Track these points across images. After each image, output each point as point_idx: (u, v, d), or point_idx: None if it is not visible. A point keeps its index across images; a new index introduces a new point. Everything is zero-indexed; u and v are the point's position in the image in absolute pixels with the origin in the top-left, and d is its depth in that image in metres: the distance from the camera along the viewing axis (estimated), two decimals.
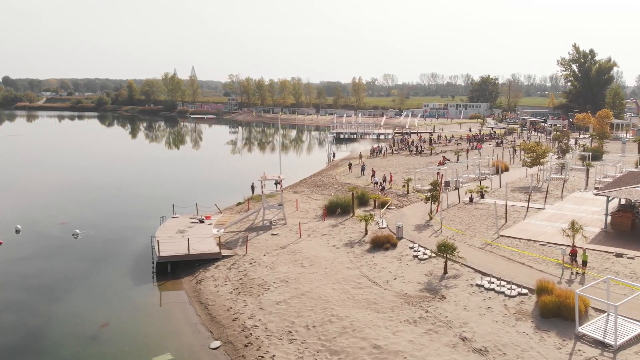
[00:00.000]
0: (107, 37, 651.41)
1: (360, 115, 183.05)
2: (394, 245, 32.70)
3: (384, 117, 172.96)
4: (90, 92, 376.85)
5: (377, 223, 37.94)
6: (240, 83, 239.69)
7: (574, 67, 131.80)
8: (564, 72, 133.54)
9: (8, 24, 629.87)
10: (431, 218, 38.81)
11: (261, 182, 40.40)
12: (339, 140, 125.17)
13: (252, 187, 55.80)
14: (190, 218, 43.37)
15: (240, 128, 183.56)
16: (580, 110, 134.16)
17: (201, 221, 42.05)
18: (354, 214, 41.02)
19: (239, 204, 51.13)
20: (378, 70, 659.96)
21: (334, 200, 42.72)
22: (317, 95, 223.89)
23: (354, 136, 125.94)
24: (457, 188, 51.07)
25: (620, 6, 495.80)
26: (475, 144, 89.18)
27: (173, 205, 44.70)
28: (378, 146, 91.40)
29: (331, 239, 35.45)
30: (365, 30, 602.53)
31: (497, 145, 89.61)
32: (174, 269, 33.82)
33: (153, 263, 35.12)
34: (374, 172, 59.17)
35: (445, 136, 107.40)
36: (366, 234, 35.53)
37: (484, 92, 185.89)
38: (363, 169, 67.08)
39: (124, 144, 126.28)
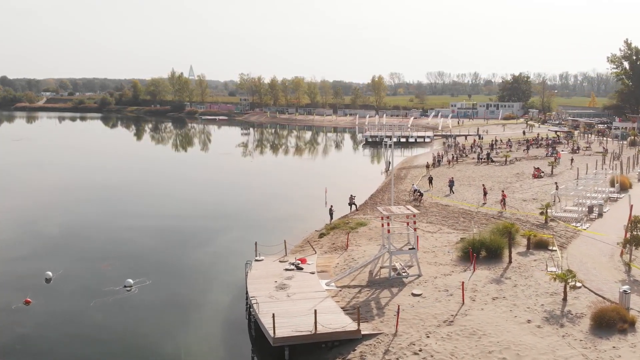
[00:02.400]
0: (105, 36, 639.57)
1: (384, 115, 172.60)
2: (632, 325, 21.85)
3: (411, 118, 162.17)
4: (90, 92, 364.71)
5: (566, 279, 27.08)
6: (252, 82, 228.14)
7: (626, 64, 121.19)
8: (615, 70, 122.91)
9: (3, 23, 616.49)
10: (630, 267, 28.03)
11: (386, 214, 29.34)
12: (373, 144, 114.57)
13: (331, 212, 44.94)
14: (280, 261, 32.47)
15: (252, 129, 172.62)
16: (632, 111, 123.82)
17: (298, 267, 31.12)
18: (511, 261, 30.12)
19: (322, 235, 40.17)
20: (381, 70, 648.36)
21: (476, 238, 31.70)
22: (334, 95, 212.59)
23: (393, 139, 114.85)
24: (600, 214, 40.35)
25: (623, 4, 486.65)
26: (551, 150, 78.34)
27: (256, 245, 33.66)
28: (439, 153, 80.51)
29: (514, 308, 24.51)
30: (366, 28, 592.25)
31: (574, 151, 78.86)
32: (292, 355, 22.93)
33: (251, 332, 24.21)
34: (486, 190, 48.09)
35: (501, 140, 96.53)
36: (565, 299, 24.64)
37: (515, 90, 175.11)
38: (431, 181, 56.51)
39: (145, 152, 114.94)
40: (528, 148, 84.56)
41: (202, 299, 30.45)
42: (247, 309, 27.93)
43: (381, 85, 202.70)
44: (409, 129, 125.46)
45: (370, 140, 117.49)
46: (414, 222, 29.70)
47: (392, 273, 28.91)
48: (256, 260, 32.48)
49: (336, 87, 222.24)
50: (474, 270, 29.00)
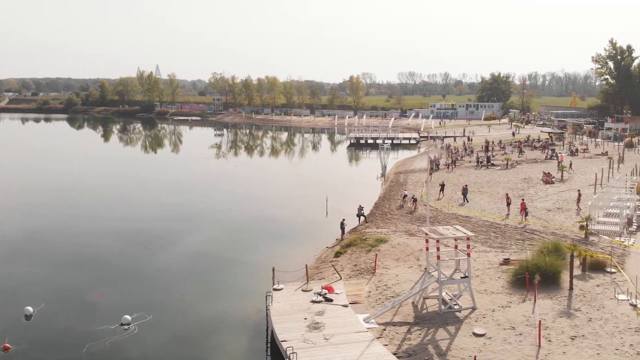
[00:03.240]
0: (66, 36, 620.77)
1: (364, 116, 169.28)
2: None
3: (392, 119, 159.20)
4: (54, 92, 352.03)
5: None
6: (225, 82, 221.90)
7: (610, 64, 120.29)
8: (599, 70, 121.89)
9: None
10: None
11: (435, 236, 25.15)
12: (358, 146, 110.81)
13: (342, 226, 40.65)
14: (304, 290, 28.00)
15: (225, 130, 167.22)
16: (617, 111, 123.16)
17: (327, 299, 26.71)
18: (572, 287, 26.34)
19: (338, 254, 35.80)
20: (352, 70, 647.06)
21: (530, 262, 27.79)
22: (311, 95, 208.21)
23: (379, 141, 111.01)
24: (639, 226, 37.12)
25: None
26: (550, 153, 75.68)
27: (273, 271, 29.03)
28: (435, 156, 76.99)
29: (601, 350, 20.66)
30: (330, 27, 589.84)
31: (572, 154, 76.39)
32: None
33: None
34: (509, 199, 44.31)
35: (493, 141, 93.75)
36: None
37: (495, 91, 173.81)
38: (442, 188, 52.98)
39: (118, 154, 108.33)
40: (521, 150, 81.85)
41: (215, 339, 25.72)
42: (267, 345, 23.45)
43: (359, 85, 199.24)
44: (391, 130, 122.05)
45: (354, 142, 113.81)
46: (468, 246, 25.52)
47: (442, 307, 24.75)
48: (275, 290, 27.91)
49: (313, 87, 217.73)
50: (535, 301, 25.05)
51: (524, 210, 41.80)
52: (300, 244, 41.09)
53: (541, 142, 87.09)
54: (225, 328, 27.00)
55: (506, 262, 30.45)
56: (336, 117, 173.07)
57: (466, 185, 50.23)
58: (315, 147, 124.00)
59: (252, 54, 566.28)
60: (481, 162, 71.11)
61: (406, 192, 53.53)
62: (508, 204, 43.32)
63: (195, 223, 47.53)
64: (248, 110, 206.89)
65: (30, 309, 27.98)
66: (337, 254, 35.71)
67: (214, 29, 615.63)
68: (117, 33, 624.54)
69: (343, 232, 40.39)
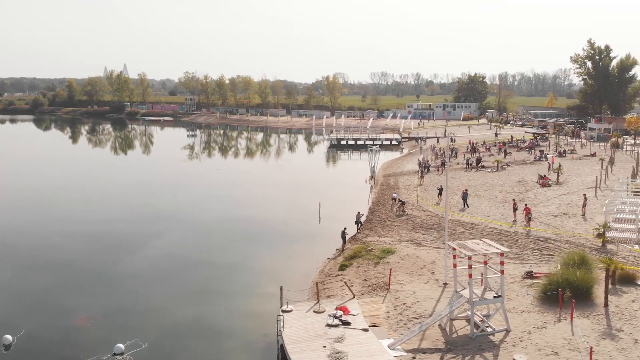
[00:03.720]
0: (30, 35, 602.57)
1: (342, 116, 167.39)
2: None
3: (370, 119, 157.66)
4: (19, 92, 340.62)
5: None
6: (197, 81, 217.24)
7: (589, 64, 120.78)
8: (578, 70, 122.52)
9: None
10: None
11: (467, 253, 22.93)
12: (339, 147, 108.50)
13: (344, 235, 38.30)
14: (316, 312, 25.46)
15: (198, 131, 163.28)
16: (595, 111, 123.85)
17: (344, 322, 24.26)
18: (607, 304, 24.47)
19: (343, 267, 33.38)
20: (324, 70, 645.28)
21: (560, 276, 25.82)
22: (287, 95, 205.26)
23: (369, 142, 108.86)
24: None
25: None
26: (538, 154, 74.66)
27: (281, 290, 26.41)
28: (424, 158, 75.18)
29: None
30: (301, 27, 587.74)
31: (560, 155, 75.56)
32: None
33: None
34: (516, 205, 42.47)
35: (477, 142, 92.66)
36: None
37: (471, 91, 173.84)
38: (440, 192, 51.09)
39: (92, 157, 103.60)
40: (506, 152, 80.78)
41: None
42: None
43: (335, 85, 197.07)
44: (372, 131, 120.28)
45: (335, 143, 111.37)
46: (502, 263, 23.35)
47: (475, 330, 22.55)
48: (284, 312, 25.31)
49: (287, 87, 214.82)
50: (572, 320, 23.10)
51: (527, 215, 40.25)
52: (298, 255, 38.54)
53: (527, 143, 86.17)
54: (232, 352, 24.32)
55: (530, 275, 28.48)
56: (314, 117, 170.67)
57: (466, 190, 48.31)
58: (295, 148, 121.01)
59: (220, 53, 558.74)
60: (471, 164, 69.57)
61: (395, 194, 52.14)
62: (515, 210, 41.52)
63: (184, 231, 44.47)
64: (222, 110, 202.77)
65: (9, 337, 24.80)
66: (342, 267, 33.27)
67: (182, 28, 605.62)
68: (82, 32, 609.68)
69: (344, 242, 38.04)
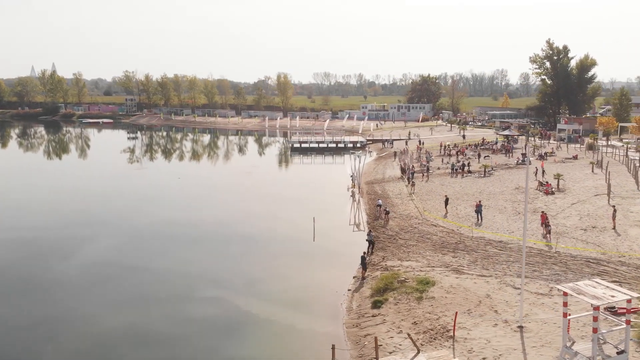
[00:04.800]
0: None
1: (297, 117, 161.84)
2: None
3: (327, 121, 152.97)
4: None
5: None
6: (139, 80, 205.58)
7: (548, 64, 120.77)
8: (537, 70, 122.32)
9: None
10: None
11: (594, 302, 17.91)
12: (302, 150, 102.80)
13: (364, 261, 32.79)
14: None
15: (140, 133, 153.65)
16: (554, 111, 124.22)
17: None
18: None
19: (377, 304, 27.81)
20: (266, 70, 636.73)
21: None
22: (235, 95, 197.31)
23: (324, 145, 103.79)
24: None
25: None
26: (521, 158, 71.76)
27: (333, 350, 20.57)
28: (405, 162, 70.65)
29: None
30: (238, 26, 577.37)
31: (541, 158, 73.06)
32: None
33: None
34: (546, 219, 38.04)
35: (448, 145, 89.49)
36: None
37: (425, 92, 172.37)
38: (447, 203, 46.63)
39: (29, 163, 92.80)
40: (479, 155, 77.76)
41: None
42: None
43: (287, 85, 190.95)
44: (335, 133, 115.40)
45: (297, 146, 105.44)
46: (628, 311, 18.46)
47: None
48: None
49: (238, 87, 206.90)
50: None
51: (546, 226, 36.44)
52: (306, 283, 32.64)
53: (498, 145, 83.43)
54: None
55: (613, 311, 23.87)
56: (266, 118, 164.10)
57: (480, 202, 43.76)
58: (256, 152, 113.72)
59: (149, 53, 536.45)
60: (457, 170, 65.69)
61: (380, 201, 49.86)
62: (545, 225, 37.24)
63: (164, 255, 37.59)
64: (166, 111, 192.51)
65: None
66: (377, 304, 27.70)
67: (110, 27, 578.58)
68: (6, 32, 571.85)
69: (365, 269, 32.44)
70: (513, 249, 34.39)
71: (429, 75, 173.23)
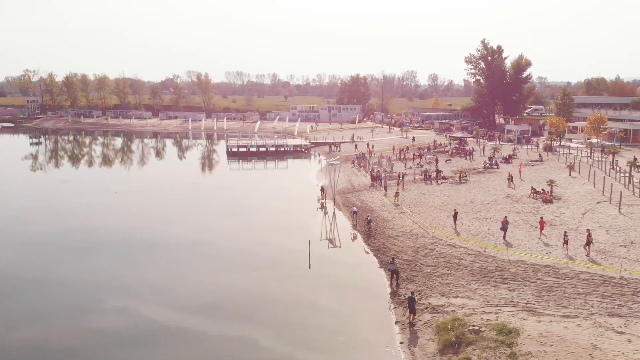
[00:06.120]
0: None
1: (225, 119, 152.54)
2: None
3: (257, 122, 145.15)
4: None
5: None
6: (42, 80, 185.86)
7: (482, 64, 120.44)
8: (472, 71, 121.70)
9: None
10: None
11: None
12: (240, 155, 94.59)
13: (412, 303, 26.54)
14: None
15: (43, 138, 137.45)
16: (488, 112, 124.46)
17: None
18: None
19: None
20: (175, 68, 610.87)
21: None
22: (152, 95, 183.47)
23: (263, 149, 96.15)
24: None
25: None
26: (488, 162, 68.53)
27: None
28: (377, 172, 65.00)
29: None
30: (140, 24, 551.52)
31: (507, 161, 70.38)
32: None
33: None
34: (591, 238, 33.46)
35: (404, 149, 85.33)
36: None
37: (355, 93, 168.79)
38: (456, 218, 41.57)
39: None
40: (437, 160, 73.83)
41: None
42: None
43: (208, 84, 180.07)
44: (277, 137, 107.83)
45: (235, 150, 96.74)
46: None
47: None
48: None
49: (154, 87, 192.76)
50: None
51: (588, 244, 32.36)
52: (339, 328, 25.83)
53: (463, 149, 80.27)
54: None
55: None
56: (189, 119, 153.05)
57: (507, 218, 38.53)
58: (188, 158, 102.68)
59: (51, 51, 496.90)
60: (430, 176, 61.11)
61: (355, 208, 47.84)
62: (589, 243, 32.79)
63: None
64: (73, 113, 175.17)
65: None
66: None
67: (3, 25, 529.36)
68: None
69: (414, 313, 26.11)
70: (568, 275, 29.55)
71: (357, 75, 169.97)
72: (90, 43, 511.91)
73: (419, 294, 28.99)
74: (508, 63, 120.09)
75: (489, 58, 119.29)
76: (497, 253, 34.11)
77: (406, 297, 27.77)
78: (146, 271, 34.72)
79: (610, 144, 77.95)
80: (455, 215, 40.94)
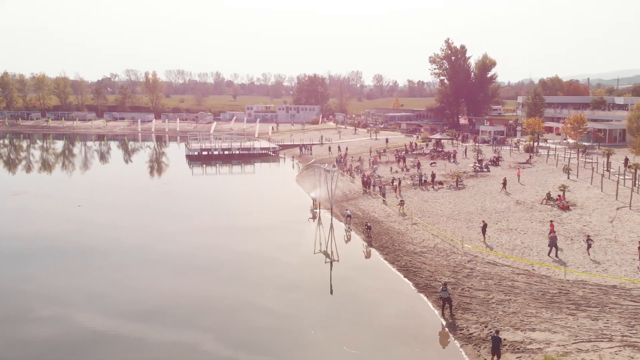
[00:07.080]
0: None
1: (178, 120, 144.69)
2: None
3: (213, 123, 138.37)
4: None
5: None
6: None
7: (446, 64, 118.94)
8: (436, 71, 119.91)
9: None
10: None
11: None
12: (203, 159, 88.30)
13: (497, 343, 22.38)
14: None
15: None
16: (452, 112, 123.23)
17: None
18: None
19: None
20: (110, 67, 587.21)
21: None
22: (95, 95, 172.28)
23: (229, 152, 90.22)
24: None
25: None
26: (477, 165, 65.68)
27: None
28: (364, 174, 60.78)
29: None
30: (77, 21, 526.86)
31: (494, 164, 67.87)
32: None
33: None
34: None
35: (377, 151, 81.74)
36: None
37: (313, 93, 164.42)
38: (485, 229, 38.01)
39: None
40: (419, 163, 70.43)
41: None
42: None
43: (157, 84, 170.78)
44: (242, 139, 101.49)
45: (198, 154, 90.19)
46: None
47: None
48: None
49: (99, 87, 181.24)
50: None
51: None
52: None
53: (448, 152, 77.23)
54: None
55: None
56: (139, 121, 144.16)
57: (554, 233, 34.80)
58: (147, 163, 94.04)
59: None
60: (425, 181, 57.53)
61: (348, 211, 45.88)
62: None
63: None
64: (9, 115, 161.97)
65: None
66: None
67: None
68: None
69: (499, 356, 21.86)
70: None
71: (315, 74, 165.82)
72: (25, 43, 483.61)
73: (484, 326, 24.85)
74: (473, 63, 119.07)
75: (453, 58, 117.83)
76: (551, 272, 30.51)
77: (477, 335, 23.55)
78: (83, 277, 32.78)
79: (588, 144, 77.26)
80: (484, 227, 37.18)
